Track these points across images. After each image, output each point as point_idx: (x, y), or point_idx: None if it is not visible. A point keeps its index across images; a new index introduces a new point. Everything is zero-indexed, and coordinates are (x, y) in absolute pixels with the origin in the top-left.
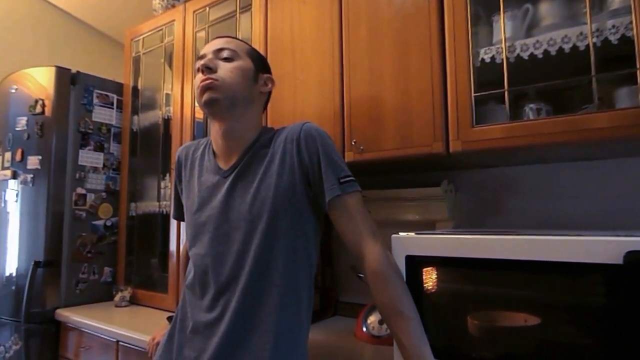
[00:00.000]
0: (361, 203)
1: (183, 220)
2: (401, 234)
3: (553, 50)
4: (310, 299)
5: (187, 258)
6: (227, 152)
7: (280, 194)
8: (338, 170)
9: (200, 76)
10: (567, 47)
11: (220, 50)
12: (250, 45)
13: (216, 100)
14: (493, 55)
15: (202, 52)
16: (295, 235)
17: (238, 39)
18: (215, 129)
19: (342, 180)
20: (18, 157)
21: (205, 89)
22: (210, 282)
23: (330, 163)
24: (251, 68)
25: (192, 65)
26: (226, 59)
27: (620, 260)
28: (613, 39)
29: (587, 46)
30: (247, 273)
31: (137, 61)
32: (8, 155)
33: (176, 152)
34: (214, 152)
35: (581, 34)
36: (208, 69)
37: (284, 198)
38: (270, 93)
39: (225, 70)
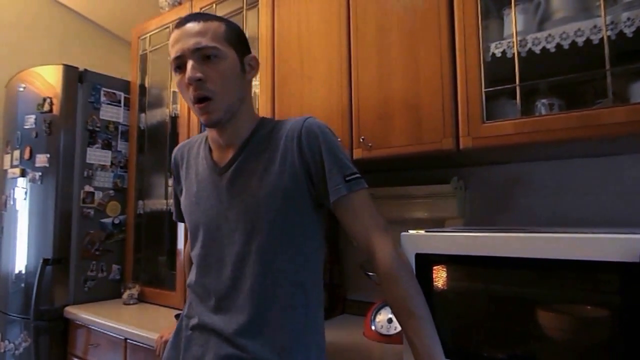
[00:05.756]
0: (369, 200)
1: (184, 222)
2: (411, 232)
3: (566, 44)
4: (319, 299)
5: (190, 259)
6: (223, 147)
7: (281, 192)
8: (344, 169)
9: (187, 85)
10: (580, 41)
11: (199, 49)
12: (222, 20)
13: (218, 120)
14: (504, 50)
15: (177, 52)
16: (299, 235)
17: (208, 19)
18: None
19: (347, 179)
20: (26, 155)
21: (203, 112)
22: (213, 285)
23: (334, 161)
24: (236, 62)
25: None
26: (208, 57)
27: (636, 259)
28: (628, 31)
29: (601, 39)
30: (250, 275)
31: (144, 59)
32: (17, 153)
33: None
34: (210, 148)
35: (595, 26)
36: (198, 81)
37: (286, 197)
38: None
39: (214, 79)
